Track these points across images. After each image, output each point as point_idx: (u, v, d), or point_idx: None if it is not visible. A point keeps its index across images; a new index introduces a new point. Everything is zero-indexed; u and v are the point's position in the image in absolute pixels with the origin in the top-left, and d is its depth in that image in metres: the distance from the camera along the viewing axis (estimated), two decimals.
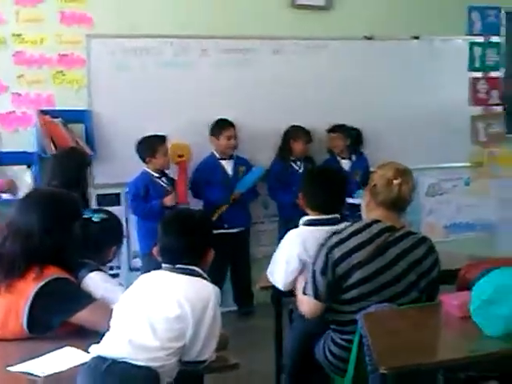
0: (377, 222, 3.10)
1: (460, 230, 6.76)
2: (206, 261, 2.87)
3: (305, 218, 3.72)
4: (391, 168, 3.15)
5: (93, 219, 3.20)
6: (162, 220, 2.93)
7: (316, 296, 3.12)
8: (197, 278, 2.73)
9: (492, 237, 6.82)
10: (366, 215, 3.24)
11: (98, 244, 3.18)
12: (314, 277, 3.11)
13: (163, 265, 2.82)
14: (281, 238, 5.71)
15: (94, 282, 2.99)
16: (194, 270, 2.75)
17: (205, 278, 2.76)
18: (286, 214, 5.83)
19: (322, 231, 3.44)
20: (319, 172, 4.10)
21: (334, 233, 3.12)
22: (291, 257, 3.58)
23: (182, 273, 2.73)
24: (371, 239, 3.03)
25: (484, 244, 6.56)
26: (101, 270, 3.12)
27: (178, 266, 2.75)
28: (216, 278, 5.60)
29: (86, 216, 3.18)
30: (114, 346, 2.54)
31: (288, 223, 5.72)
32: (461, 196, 6.75)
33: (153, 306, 2.60)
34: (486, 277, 2.66)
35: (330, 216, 3.65)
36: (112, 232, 3.30)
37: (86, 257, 3.08)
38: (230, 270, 5.97)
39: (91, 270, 3.05)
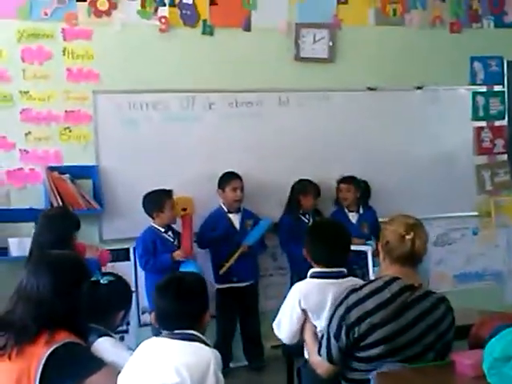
0: (396, 279, 3.06)
1: (469, 280, 6.72)
2: (204, 323, 2.85)
3: (311, 270, 3.74)
4: (402, 223, 3.12)
5: (101, 282, 3.19)
6: (157, 286, 2.91)
7: (330, 359, 3.10)
8: (195, 344, 2.70)
9: (501, 286, 6.80)
10: (384, 271, 3.21)
11: (106, 307, 3.17)
12: (328, 339, 3.09)
13: (162, 331, 2.80)
14: None
15: (104, 347, 2.97)
16: (193, 335, 2.73)
17: (203, 342, 2.74)
18: (298, 267, 5.79)
19: (326, 283, 3.56)
20: (321, 226, 4.12)
21: (353, 290, 3.09)
22: (294, 308, 3.59)
23: (180, 338, 2.71)
24: (392, 298, 2.99)
25: (493, 294, 6.56)
26: (109, 335, 3.10)
27: (175, 331, 2.74)
28: (225, 333, 5.70)
29: (93, 279, 3.17)
30: None
31: (300, 276, 5.72)
32: (469, 245, 6.72)
33: (151, 376, 2.58)
34: (497, 335, 2.63)
35: (335, 269, 3.65)
36: (120, 295, 3.29)
37: (94, 321, 3.06)
38: (239, 324, 5.91)
39: (100, 336, 3.03)
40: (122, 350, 3.04)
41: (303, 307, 3.56)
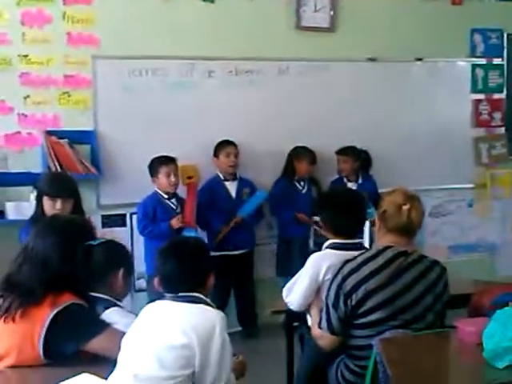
0: (389, 247, 3.13)
1: (463, 251, 6.74)
2: (208, 286, 2.86)
3: (330, 242, 3.67)
4: (400, 194, 3.20)
5: (93, 244, 3.02)
6: (159, 250, 2.90)
7: (331, 330, 3.14)
8: (200, 305, 2.71)
9: (493, 258, 6.85)
10: (378, 241, 3.26)
11: (102, 267, 3.03)
12: (327, 311, 3.14)
13: (166, 294, 2.80)
14: (280, 256, 5.82)
15: (111, 320, 2.89)
16: (197, 297, 2.74)
17: (208, 304, 2.75)
18: (286, 232, 5.91)
19: (348, 255, 3.31)
20: (341, 195, 4.00)
21: (348, 260, 3.14)
22: (316, 277, 3.55)
23: (185, 301, 2.71)
24: (386, 264, 3.06)
25: (485, 265, 6.62)
26: (116, 305, 3.04)
27: (180, 294, 2.74)
28: (220, 299, 5.73)
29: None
30: (121, 382, 2.53)
31: (287, 242, 5.79)
32: (464, 217, 6.75)
33: (157, 337, 2.58)
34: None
35: (356, 240, 3.65)
36: (113, 252, 3.14)
37: (96, 288, 2.99)
38: (234, 291, 5.93)
39: (106, 307, 2.98)
40: (130, 318, 2.91)
41: (326, 278, 3.46)
